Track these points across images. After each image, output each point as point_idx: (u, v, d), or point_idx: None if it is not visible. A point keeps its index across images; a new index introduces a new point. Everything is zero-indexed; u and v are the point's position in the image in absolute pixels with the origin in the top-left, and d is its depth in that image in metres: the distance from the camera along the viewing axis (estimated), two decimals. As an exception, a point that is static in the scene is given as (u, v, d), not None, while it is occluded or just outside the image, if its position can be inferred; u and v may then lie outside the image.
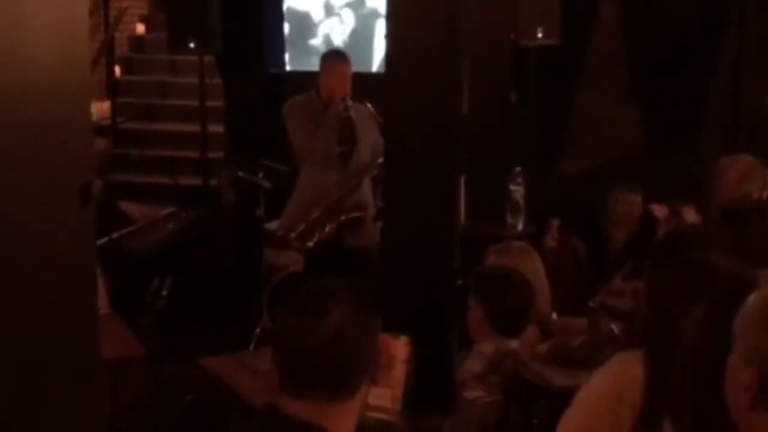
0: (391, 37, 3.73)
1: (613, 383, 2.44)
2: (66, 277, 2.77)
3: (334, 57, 5.72)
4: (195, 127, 7.50)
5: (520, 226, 5.87)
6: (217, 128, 7.95)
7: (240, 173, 6.46)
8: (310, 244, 5.57)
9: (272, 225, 6.11)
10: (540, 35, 6.29)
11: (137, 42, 10.55)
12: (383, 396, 2.59)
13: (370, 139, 5.57)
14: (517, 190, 5.83)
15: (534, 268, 3.97)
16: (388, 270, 3.71)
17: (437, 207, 3.59)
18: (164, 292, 5.32)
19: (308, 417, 1.95)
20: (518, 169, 5.85)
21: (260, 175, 6.22)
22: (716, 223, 3.90)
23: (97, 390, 3.00)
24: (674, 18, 6.93)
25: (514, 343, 3.55)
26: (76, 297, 2.82)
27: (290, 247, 5.71)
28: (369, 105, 5.53)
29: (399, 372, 2.60)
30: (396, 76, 3.67)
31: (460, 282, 3.81)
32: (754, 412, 1.55)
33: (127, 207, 7.02)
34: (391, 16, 3.75)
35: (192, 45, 6.71)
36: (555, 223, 5.64)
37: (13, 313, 2.61)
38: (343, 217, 5.57)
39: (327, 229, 5.56)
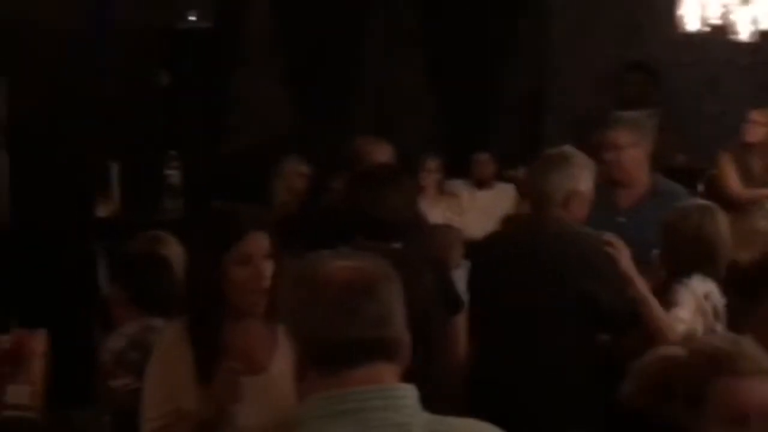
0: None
1: None
2: None
3: None
4: None
5: (180, 210, 5.87)
6: None
7: None
8: None
9: None
10: (193, 18, 6.30)
11: None
12: (22, 393, 2.53)
13: None
14: (174, 174, 5.82)
15: (177, 253, 4.03)
16: (22, 264, 3.61)
17: (68, 198, 3.54)
18: None
19: None
20: (173, 152, 5.84)
21: None
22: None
23: None
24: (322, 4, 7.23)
25: (159, 322, 3.60)
26: None
27: None
28: None
29: (37, 367, 2.56)
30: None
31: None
32: None
33: None
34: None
35: None
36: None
37: None
38: None
39: None
